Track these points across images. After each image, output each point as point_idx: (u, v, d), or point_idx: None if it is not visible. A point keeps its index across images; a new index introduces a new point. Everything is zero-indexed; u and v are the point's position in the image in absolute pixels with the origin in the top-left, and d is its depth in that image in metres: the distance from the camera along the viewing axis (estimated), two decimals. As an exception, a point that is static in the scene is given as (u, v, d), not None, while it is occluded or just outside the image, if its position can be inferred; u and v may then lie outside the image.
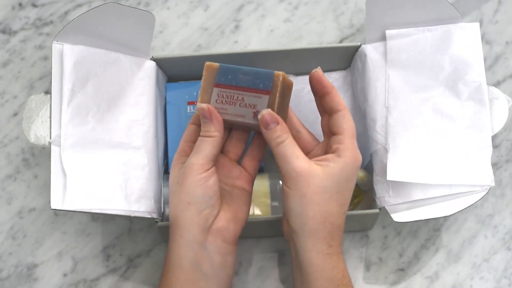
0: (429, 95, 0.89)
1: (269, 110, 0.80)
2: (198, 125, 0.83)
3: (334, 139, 0.81)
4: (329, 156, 0.80)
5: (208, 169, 0.80)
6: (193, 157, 0.80)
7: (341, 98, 0.82)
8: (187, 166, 0.80)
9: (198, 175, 0.79)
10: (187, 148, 0.83)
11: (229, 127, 0.85)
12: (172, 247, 0.81)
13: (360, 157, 0.81)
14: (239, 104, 0.81)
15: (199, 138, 0.81)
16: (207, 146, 0.80)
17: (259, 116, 0.80)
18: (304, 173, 0.78)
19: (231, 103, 0.82)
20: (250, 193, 0.84)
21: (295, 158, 0.79)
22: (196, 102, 0.96)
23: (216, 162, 0.82)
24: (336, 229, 0.80)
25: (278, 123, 0.79)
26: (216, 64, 0.83)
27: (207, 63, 0.83)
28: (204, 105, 0.80)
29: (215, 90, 0.82)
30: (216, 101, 0.82)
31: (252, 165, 0.85)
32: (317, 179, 0.78)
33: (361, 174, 0.93)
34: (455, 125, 0.88)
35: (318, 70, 0.82)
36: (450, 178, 0.86)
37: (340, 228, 0.81)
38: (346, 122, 0.81)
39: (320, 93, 0.82)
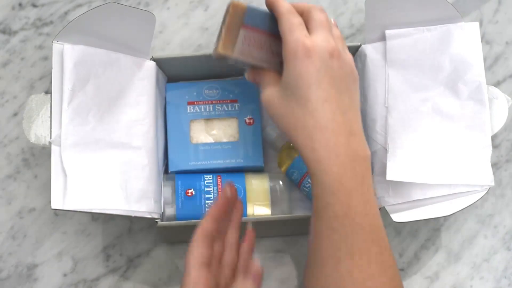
0: (428, 95, 0.89)
1: None
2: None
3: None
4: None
5: None
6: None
7: (282, 2, 0.77)
8: None
9: None
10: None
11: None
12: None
13: (320, 44, 0.75)
14: (266, 50, 0.79)
15: None
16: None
17: None
18: (264, 100, 0.80)
19: (258, 48, 0.79)
20: None
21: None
22: (196, 102, 0.96)
23: None
24: (314, 130, 0.76)
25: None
26: (244, 5, 0.78)
27: (234, 2, 0.77)
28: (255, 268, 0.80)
29: (242, 31, 0.78)
30: (242, 43, 0.78)
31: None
32: (273, 95, 0.79)
33: None
34: (455, 125, 0.88)
35: None
36: (449, 178, 0.86)
37: (338, 132, 0.76)
38: (282, 22, 0.77)
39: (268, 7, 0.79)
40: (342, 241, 0.76)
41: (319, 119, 0.76)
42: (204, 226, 0.79)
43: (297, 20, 0.77)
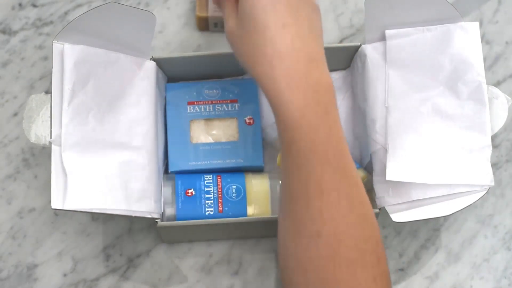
0: (428, 95, 0.89)
1: None
2: None
3: None
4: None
5: None
6: None
7: None
8: None
9: None
10: None
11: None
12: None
13: None
14: None
15: None
16: None
17: None
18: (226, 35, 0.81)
19: None
20: None
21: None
22: (196, 102, 0.96)
23: None
24: (285, 61, 0.74)
25: None
26: None
27: None
28: None
29: None
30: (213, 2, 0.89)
31: None
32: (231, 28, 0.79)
33: (361, 174, 0.93)
34: (455, 125, 0.88)
35: None
36: (449, 178, 0.86)
37: (297, 59, 0.75)
38: None
39: None
40: (310, 178, 0.74)
41: (278, 46, 0.74)
42: None
43: None
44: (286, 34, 0.75)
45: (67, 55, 0.87)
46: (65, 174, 0.84)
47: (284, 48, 0.74)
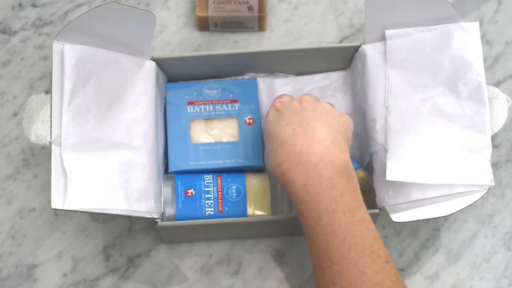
0: (428, 94, 0.89)
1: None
2: None
3: None
4: None
5: None
6: None
7: None
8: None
9: None
10: None
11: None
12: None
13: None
14: (234, 2, 1.00)
15: None
16: None
17: None
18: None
19: (227, 2, 1.00)
20: None
21: None
22: (196, 102, 0.96)
23: None
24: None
25: None
26: None
27: None
28: None
29: None
30: (213, 2, 1.00)
31: None
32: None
33: (361, 174, 0.93)
34: (455, 125, 0.88)
35: None
36: (449, 178, 0.86)
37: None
38: None
39: None
40: (320, 250, 0.78)
41: (280, 138, 0.82)
42: None
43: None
44: (289, 128, 0.83)
45: (67, 55, 0.87)
46: (65, 174, 0.84)
47: (285, 138, 0.82)
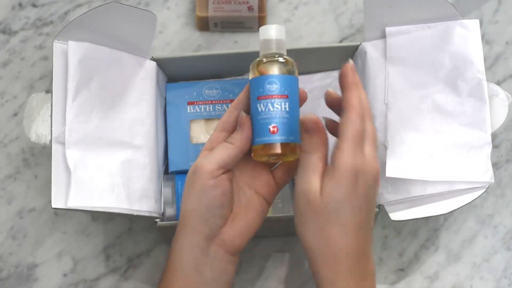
0: (428, 92, 0.89)
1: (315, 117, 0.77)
2: (240, 111, 0.79)
3: (335, 144, 0.75)
4: (327, 167, 0.75)
5: (217, 176, 0.76)
6: (205, 159, 0.77)
7: (357, 98, 0.75)
8: (196, 168, 0.77)
9: (206, 181, 0.76)
10: (221, 139, 0.79)
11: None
12: (175, 247, 0.79)
13: (370, 166, 0.74)
14: (234, 2, 0.99)
15: (223, 142, 0.78)
16: (223, 152, 0.77)
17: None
18: (301, 192, 0.75)
19: (227, 2, 1.00)
20: (269, 205, 0.81)
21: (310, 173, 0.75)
22: (196, 102, 0.96)
23: (245, 163, 0.79)
24: (351, 258, 0.75)
25: (317, 131, 0.76)
26: None
27: None
28: (243, 114, 0.78)
29: None
30: (213, 2, 1.00)
31: (283, 178, 0.81)
32: (312, 199, 0.75)
33: None
34: (455, 122, 0.88)
35: (348, 64, 0.76)
36: (449, 175, 0.86)
37: (359, 257, 0.75)
38: (347, 125, 0.74)
39: (341, 88, 0.77)
40: None
41: (349, 245, 0.74)
42: (240, 96, 0.80)
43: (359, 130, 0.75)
44: (361, 235, 0.75)
45: (72, 52, 0.87)
46: (68, 172, 0.84)
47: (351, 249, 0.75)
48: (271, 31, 0.81)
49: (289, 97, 0.78)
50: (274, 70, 0.79)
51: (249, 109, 0.80)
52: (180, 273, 0.79)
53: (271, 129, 0.77)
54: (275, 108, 0.78)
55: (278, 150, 0.77)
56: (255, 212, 0.80)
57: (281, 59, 0.79)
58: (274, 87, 0.78)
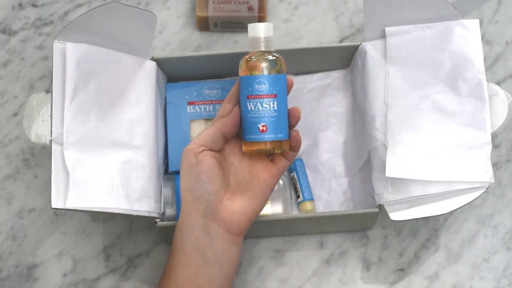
0: (428, 92, 0.89)
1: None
2: (233, 105, 0.83)
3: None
4: None
5: (198, 152, 0.80)
6: (190, 143, 0.81)
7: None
8: (183, 152, 0.81)
9: (190, 159, 0.80)
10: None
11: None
12: (177, 231, 0.82)
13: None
14: (234, 2, 1.00)
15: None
16: (204, 132, 0.81)
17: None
18: None
19: (227, 2, 1.01)
20: (271, 187, 0.83)
21: None
22: (196, 102, 0.96)
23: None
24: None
25: None
26: None
27: None
28: (237, 106, 0.82)
29: None
30: (213, 2, 1.01)
31: (281, 163, 0.84)
32: None
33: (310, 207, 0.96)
34: (455, 122, 0.88)
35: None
36: (449, 175, 0.86)
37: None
38: None
39: None
40: None
41: None
42: (232, 91, 0.84)
43: None
44: None
45: (70, 53, 0.87)
46: (66, 173, 0.84)
47: None
48: (260, 29, 0.83)
49: (277, 96, 0.81)
50: (263, 70, 0.81)
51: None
52: (182, 254, 0.81)
53: (261, 128, 0.81)
54: (264, 108, 0.81)
55: (267, 146, 0.81)
56: (255, 193, 0.83)
57: (270, 57, 0.82)
58: (263, 87, 0.81)
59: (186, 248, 0.81)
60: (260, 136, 0.81)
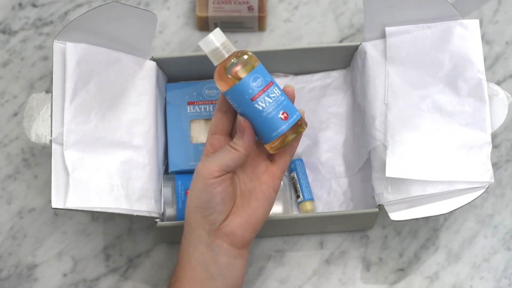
0: (428, 92, 0.89)
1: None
2: (224, 112, 0.82)
3: None
4: None
5: (217, 176, 0.79)
6: (208, 160, 0.80)
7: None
8: (199, 169, 0.80)
9: (206, 180, 0.79)
10: (215, 142, 0.82)
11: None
12: (184, 244, 0.82)
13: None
14: (234, 2, 1.00)
15: (227, 146, 0.80)
16: (226, 157, 0.79)
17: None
18: None
19: (227, 2, 1.00)
20: (275, 189, 0.83)
21: None
22: (196, 102, 0.96)
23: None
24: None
25: None
26: None
27: None
28: (241, 119, 0.80)
29: None
30: (213, 2, 1.01)
31: (282, 160, 0.83)
32: None
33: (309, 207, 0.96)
34: (455, 122, 0.88)
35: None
36: (449, 175, 0.86)
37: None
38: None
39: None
40: None
41: None
42: (220, 100, 0.83)
43: None
44: None
45: (70, 53, 0.87)
46: (67, 173, 0.84)
47: None
48: (213, 39, 0.81)
49: (272, 82, 0.80)
50: (247, 68, 0.80)
51: (231, 109, 0.82)
52: (188, 268, 0.81)
53: (282, 117, 0.79)
54: (272, 98, 0.80)
55: (297, 130, 0.80)
56: (258, 202, 0.82)
57: (245, 56, 0.80)
58: (260, 81, 0.80)
59: (192, 261, 0.81)
60: (286, 125, 0.79)
